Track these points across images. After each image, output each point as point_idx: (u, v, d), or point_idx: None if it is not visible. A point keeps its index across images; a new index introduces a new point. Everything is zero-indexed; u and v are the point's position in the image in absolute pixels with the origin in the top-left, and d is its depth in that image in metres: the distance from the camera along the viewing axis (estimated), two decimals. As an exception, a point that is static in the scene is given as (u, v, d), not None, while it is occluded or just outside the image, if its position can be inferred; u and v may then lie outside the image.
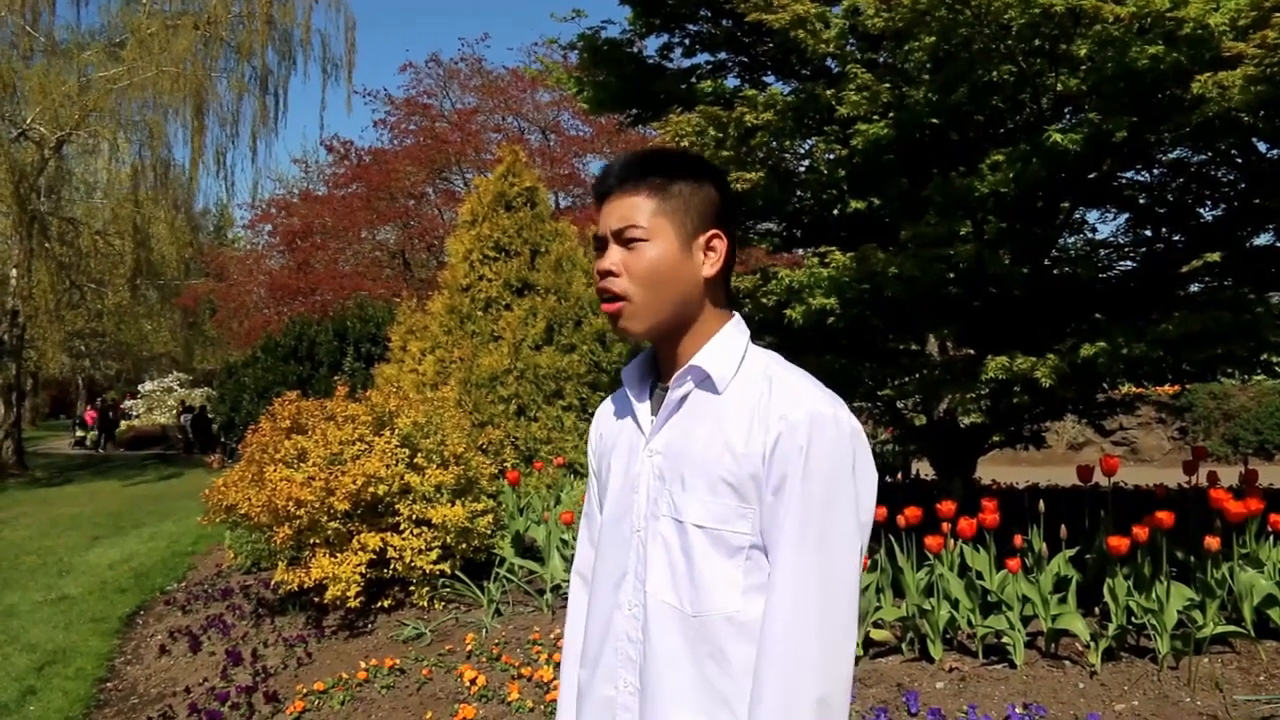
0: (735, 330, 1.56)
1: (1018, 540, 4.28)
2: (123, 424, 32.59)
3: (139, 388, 34.47)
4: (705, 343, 1.54)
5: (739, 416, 1.47)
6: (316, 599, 5.67)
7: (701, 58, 6.43)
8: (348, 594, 5.28)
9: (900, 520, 4.41)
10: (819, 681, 1.38)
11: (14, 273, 21.26)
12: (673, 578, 1.49)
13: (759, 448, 1.43)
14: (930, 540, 4.21)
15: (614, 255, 1.51)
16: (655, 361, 1.64)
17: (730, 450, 1.45)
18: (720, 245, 1.53)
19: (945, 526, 4.32)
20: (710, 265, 1.52)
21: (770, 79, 6.40)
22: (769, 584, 1.43)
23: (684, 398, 1.54)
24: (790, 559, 1.41)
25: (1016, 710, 3.49)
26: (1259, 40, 3.72)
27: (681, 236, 1.50)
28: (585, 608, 1.71)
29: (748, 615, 1.44)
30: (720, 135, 5.01)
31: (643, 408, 1.62)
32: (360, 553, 5.41)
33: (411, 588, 5.64)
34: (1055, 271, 5.98)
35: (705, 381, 1.52)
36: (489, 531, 5.93)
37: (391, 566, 5.51)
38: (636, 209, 1.49)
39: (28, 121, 19.65)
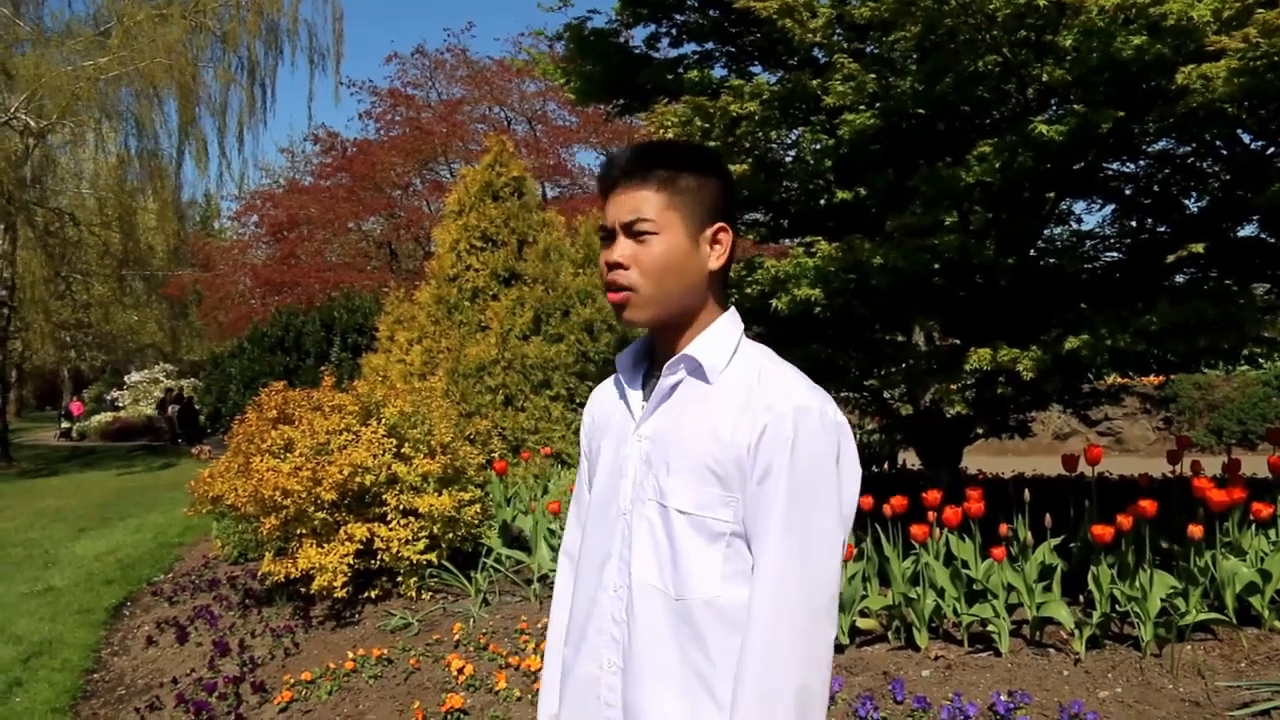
0: (730, 323, 1.58)
1: (1003, 529, 4.30)
2: (108, 415, 32.42)
3: (125, 378, 34.31)
4: (701, 333, 1.55)
5: (727, 406, 1.49)
6: (303, 589, 5.66)
7: (688, 47, 6.42)
8: (334, 584, 5.28)
9: (886, 509, 4.43)
10: (799, 670, 1.41)
11: (-1, 263, 21.15)
12: (657, 561, 1.51)
13: (745, 437, 1.46)
14: (916, 529, 4.23)
15: (623, 248, 1.52)
16: (651, 348, 1.66)
17: (717, 438, 1.48)
18: (726, 239, 1.55)
19: (931, 515, 4.34)
20: (716, 258, 1.55)
21: (757, 69, 6.39)
22: (754, 573, 1.46)
23: (675, 386, 1.56)
24: (774, 549, 1.43)
25: (1001, 697, 3.51)
26: (1241, 36, 3.74)
27: (690, 230, 1.51)
28: (571, 587, 1.73)
29: (726, 601, 1.46)
30: (706, 125, 5.01)
31: (635, 393, 1.64)
32: (347, 543, 5.41)
33: (399, 578, 5.64)
34: (1041, 262, 5.99)
35: (697, 370, 1.54)
36: (476, 521, 5.94)
37: (378, 557, 5.51)
38: (645, 202, 1.50)
39: (12, 111, 19.51)
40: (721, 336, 1.56)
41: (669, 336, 1.58)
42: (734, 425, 1.47)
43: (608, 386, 1.75)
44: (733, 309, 1.61)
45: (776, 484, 1.43)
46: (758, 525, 1.45)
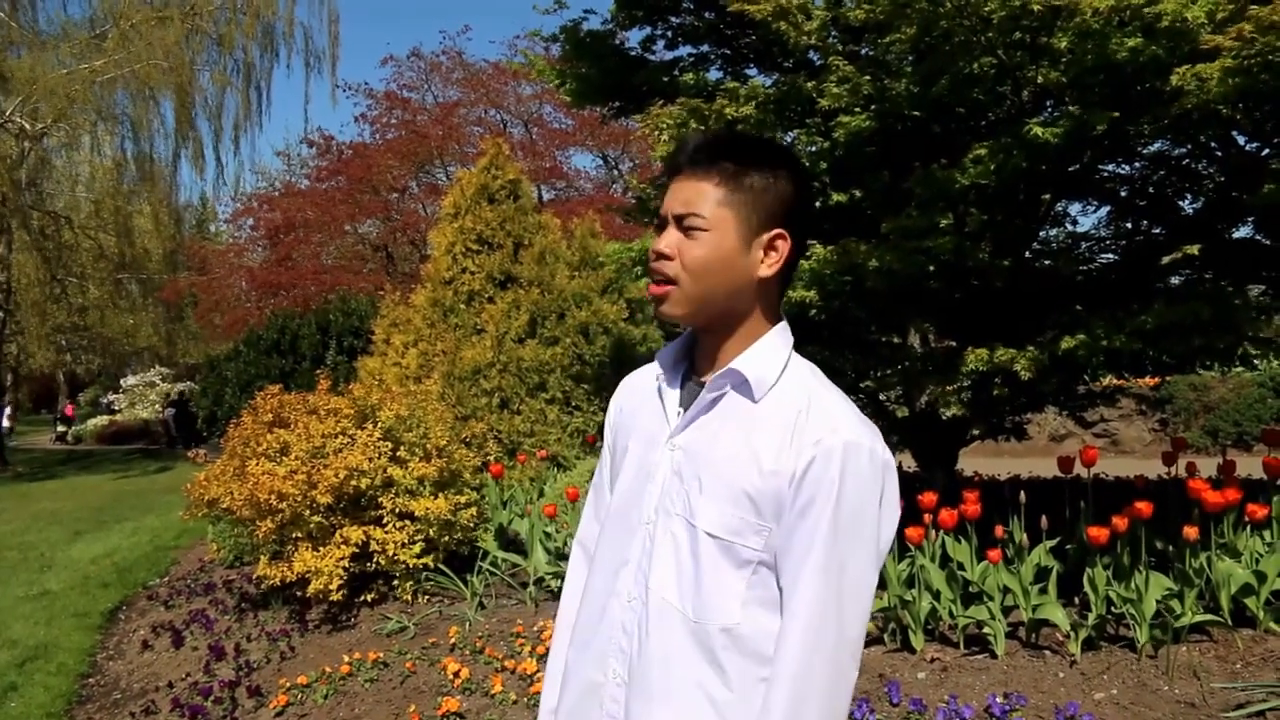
0: (780, 338, 1.52)
1: (999, 531, 4.30)
2: (104, 418, 32.33)
3: (121, 382, 34.23)
4: (748, 345, 1.50)
5: (772, 432, 1.43)
6: (299, 593, 5.66)
7: (684, 50, 6.41)
8: (330, 587, 5.27)
9: (882, 511, 4.42)
10: (821, 711, 1.38)
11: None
12: (678, 579, 1.46)
13: (789, 468, 1.40)
14: (911, 531, 4.23)
15: (671, 237, 1.46)
16: (692, 347, 1.60)
17: (758, 465, 1.42)
18: (783, 246, 1.48)
19: (927, 518, 4.34)
20: (768, 266, 1.47)
21: (752, 71, 6.38)
22: (785, 609, 1.41)
23: (717, 399, 1.50)
24: (810, 588, 1.39)
25: (997, 700, 3.51)
26: (1235, 34, 3.74)
27: (743, 232, 1.45)
28: (583, 579, 1.68)
29: (744, 629, 1.42)
30: (702, 128, 5.00)
31: (672, 394, 1.57)
32: (343, 546, 5.40)
33: (395, 581, 5.63)
34: (1036, 264, 5.99)
35: (743, 386, 1.48)
36: (472, 524, 5.93)
37: (374, 560, 5.50)
38: (702, 195, 1.44)
39: (8, 113, 19.47)
40: (770, 351, 1.50)
41: (711, 340, 1.52)
42: (777, 454, 1.41)
43: (642, 378, 1.68)
44: (784, 322, 1.55)
45: (818, 521, 1.38)
46: (792, 559, 1.40)
